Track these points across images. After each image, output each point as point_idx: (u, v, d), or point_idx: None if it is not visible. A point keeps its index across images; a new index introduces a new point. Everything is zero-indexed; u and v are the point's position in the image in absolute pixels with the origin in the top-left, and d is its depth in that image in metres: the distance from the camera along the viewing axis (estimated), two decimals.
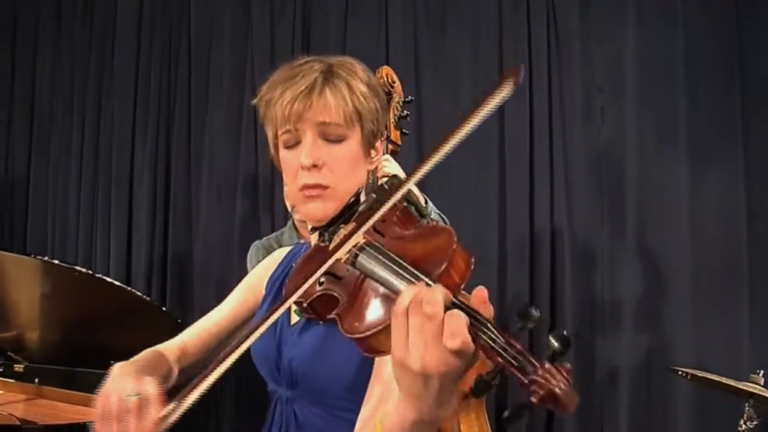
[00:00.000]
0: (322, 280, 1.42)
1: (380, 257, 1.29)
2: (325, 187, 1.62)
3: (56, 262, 3.99)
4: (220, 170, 5.03)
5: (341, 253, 1.36)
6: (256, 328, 1.34)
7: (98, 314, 3.80)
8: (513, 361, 1.06)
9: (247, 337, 1.34)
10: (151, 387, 1.50)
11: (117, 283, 3.94)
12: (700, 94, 4.13)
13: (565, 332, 1.09)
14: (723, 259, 4.06)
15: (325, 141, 1.62)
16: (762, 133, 4.04)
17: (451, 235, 1.28)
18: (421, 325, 1.06)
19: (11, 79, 5.76)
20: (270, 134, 1.72)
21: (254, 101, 1.74)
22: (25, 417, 3.55)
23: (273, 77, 1.68)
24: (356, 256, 1.33)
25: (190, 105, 5.19)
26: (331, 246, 1.47)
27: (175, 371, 1.84)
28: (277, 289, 1.83)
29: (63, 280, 3.83)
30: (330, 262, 1.36)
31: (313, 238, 1.70)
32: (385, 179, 1.49)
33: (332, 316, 1.33)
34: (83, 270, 3.96)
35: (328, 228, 1.59)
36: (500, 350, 1.07)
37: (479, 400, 3.45)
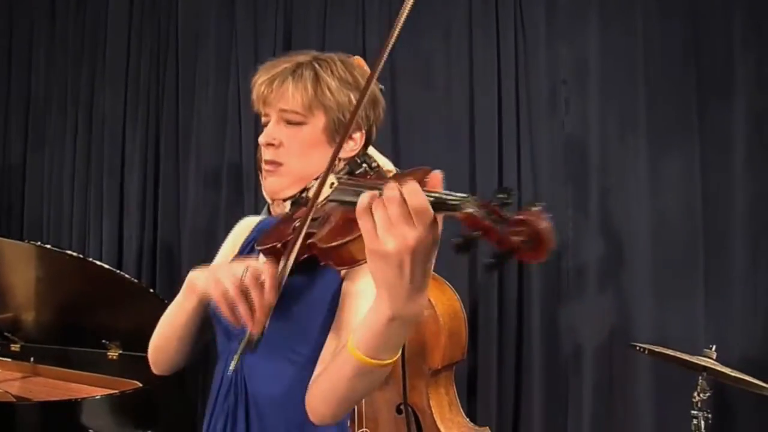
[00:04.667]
0: (294, 226, 1.52)
1: (349, 187, 1.32)
2: (278, 164, 1.70)
3: (50, 247, 3.98)
4: (206, 160, 5.02)
5: (321, 197, 1.44)
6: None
7: (91, 296, 3.80)
8: (491, 213, 1.10)
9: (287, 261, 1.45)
10: (252, 260, 1.53)
11: (108, 266, 3.95)
12: (659, 86, 4.14)
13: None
14: (680, 242, 4.08)
15: (286, 123, 1.70)
16: (716, 123, 4.05)
17: (427, 170, 1.28)
18: (384, 211, 1.14)
19: (8, 73, 5.72)
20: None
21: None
22: (21, 394, 3.56)
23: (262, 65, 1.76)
24: (337, 190, 1.38)
25: (177, 98, 5.17)
26: (311, 193, 1.56)
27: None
28: (248, 252, 1.84)
29: (57, 264, 3.83)
30: (319, 199, 1.44)
31: (286, 207, 1.78)
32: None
33: (308, 242, 1.43)
34: (76, 254, 3.96)
35: (298, 199, 1.71)
36: (477, 208, 1.11)
37: (447, 376, 3.46)
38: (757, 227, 3.98)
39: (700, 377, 3.18)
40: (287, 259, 1.46)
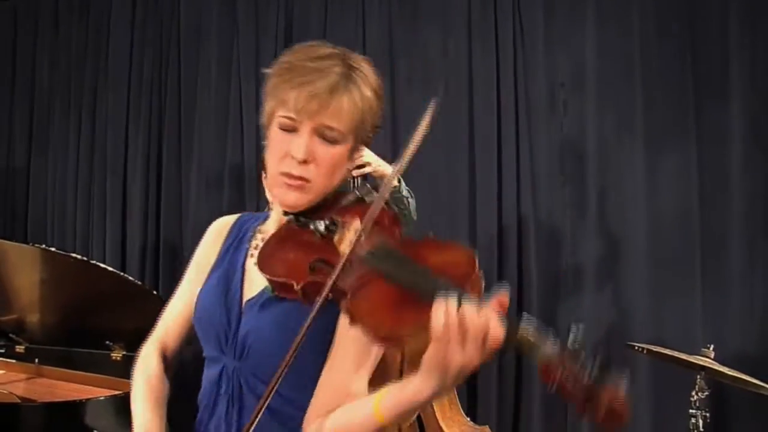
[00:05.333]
0: (314, 266, 1.47)
1: (398, 260, 1.37)
2: (307, 181, 1.58)
3: (54, 249, 3.98)
4: (208, 162, 5.03)
5: (355, 247, 1.42)
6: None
7: (94, 298, 3.79)
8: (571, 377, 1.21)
9: (310, 322, 1.39)
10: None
11: (112, 269, 3.95)
12: (656, 88, 4.15)
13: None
14: (677, 242, 4.09)
15: (319, 138, 1.58)
16: (712, 125, 4.06)
17: (472, 256, 1.41)
18: (461, 334, 1.23)
19: (12, 76, 5.74)
20: (269, 106, 1.63)
21: (269, 70, 1.65)
22: (25, 395, 3.55)
23: (291, 57, 1.61)
24: (375, 254, 1.41)
25: (180, 100, 5.19)
26: (338, 240, 1.52)
27: (166, 376, 1.85)
28: (231, 255, 1.78)
29: (61, 267, 3.83)
30: (354, 255, 1.41)
31: (280, 216, 1.70)
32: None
33: (342, 307, 1.38)
34: (80, 257, 3.96)
35: (305, 216, 1.61)
36: (562, 370, 1.21)
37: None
38: (754, 227, 3.98)
39: (698, 376, 3.18)
40: (310, 316, 1.40)
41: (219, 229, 1.87)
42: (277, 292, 1.54)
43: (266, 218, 1.81)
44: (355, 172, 3.00)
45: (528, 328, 1.25)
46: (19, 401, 3.44)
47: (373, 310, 1.35)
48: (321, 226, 1.55)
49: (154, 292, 3.98)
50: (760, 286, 3.96)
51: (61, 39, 5.58)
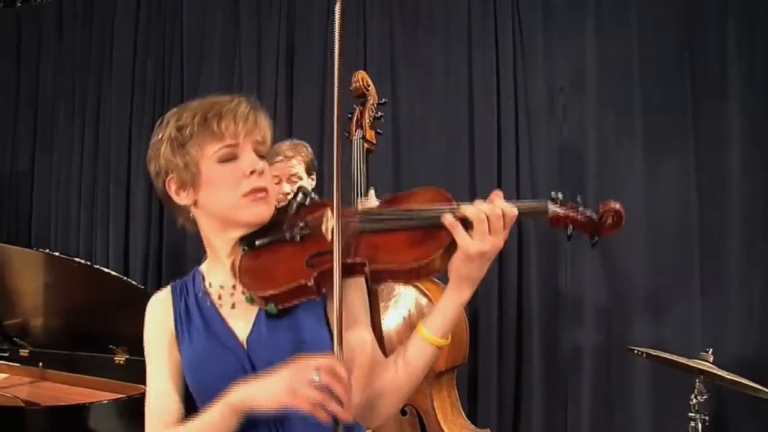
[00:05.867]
0: (310, 263, 1.59)
1: (385, 215, 1.62)
2: (267, 191, 1.69)
3: (58, 254, 3.98)
4: None
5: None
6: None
7: (98, 302, 3.79)
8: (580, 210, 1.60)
9: (340, 302, 1.49)
10: (309, 358, 1.50)
11: (115, 273, 3.94)
12: (654, 92, 4.16)
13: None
14: (676, 246, 4.09)
15: (257, 155, 1.71)
16: (710, 128, 4.06)
17: (438, 189, 1.66)
18: (485, 223, 1.54)
19: (16, 82, 5.76)
20: (190, 155, 1.68)
21: (171, 131, 1.70)
22: (29, 399, 3.55)
23: (185, 110, 1.71)
24: (367, 221, 1.62)
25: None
26: (324, 229, 1.64)
27: None
28: (195, 318, 1.77)
29: (64, 271, 3.82)
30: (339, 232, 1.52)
31: (224, 259, 1.75)
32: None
33: (366, 270, 1.56)
34: (83, 261, 3.95)
35: (253, 237, 1.70)
36: (569, 210, 1.59)
37: (449, 378, 3.46)
38: (753, 230, 3.98)
39: (697, 380, 3.18)
40: (339, 300, 1.48)
41: (159, 303, 1.88)
42: (282, 303, 1.61)
43: (201, 276, 1.84)
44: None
45: (525, 202, 1.60)
46: (23, 404, 3.45)
47: (398, 257, 1.55)
48: (297, 229, 1.68)
49: None
50: (759, 289, 3.95)
51: (64, 45, 5.60)
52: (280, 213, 1.73)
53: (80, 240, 5.39)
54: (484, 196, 4.37)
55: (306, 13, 4.90)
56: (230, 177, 1.67)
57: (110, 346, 3.88)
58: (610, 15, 4.27)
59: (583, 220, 1.58)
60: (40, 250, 4.06)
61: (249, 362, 1.67)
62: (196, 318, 1.76)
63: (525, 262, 4.34)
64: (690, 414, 3.19)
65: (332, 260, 1.50)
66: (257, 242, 1.69)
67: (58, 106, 5.60)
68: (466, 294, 1.59)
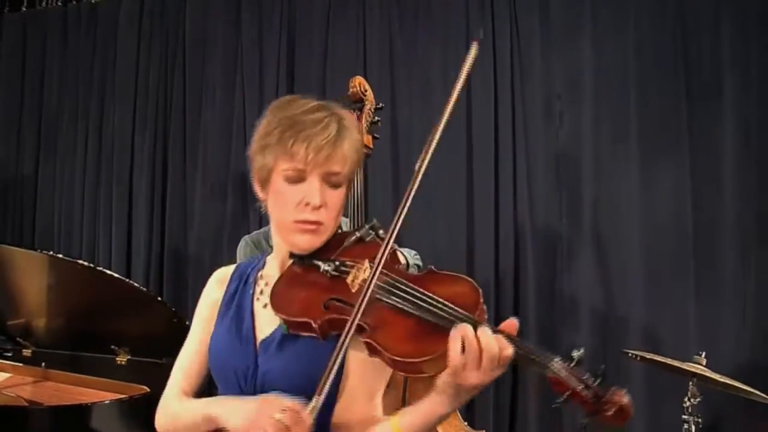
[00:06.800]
0: (328, 305, 1.57)
1: (413, 295, 1.48)
2: (321, 224, 1.67)
3: (61, 256, 3.99)
4: (212, 170, 5.05)
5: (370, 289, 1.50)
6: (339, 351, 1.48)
7: (100, 303, 3.80)
8: (579, 384, 1.33)
9: (337, 357, 1.47)
10: (281, 398, 1.52)
11: (117, 275, 3.94)
12: (650, 99, 4.17)
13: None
14: (671, 250, 4.10)
15: (327, 184, 1.66)
16: (704, 134, 4.08)
17: (476, 286, 1.49)
18: (478, 357, 1.36)
19: (21, 86, 5.76)
20: (267, 160, 1.69)
21: (261, 129, 1.72)
22: (32, 398, 3.56)
23: (281, 112, 1.69)
24: (385, 290, 1.51)
25: (185, 110, 5.21)
26: (351, 280, 1.61)
27: None
28: (238, 301, 1.81)
29: (67, 273, 3.83)
30: (366, 297, 1.49)
31: (282, 259, 1.77)
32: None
33: (363, 340, 1.47)
34: (86, 263, 3.96)
35: (310, 258, 1.69)
36: (570, 377, 1.34)
37: None
38: (746, 235, 3.99)
39: (690, 383, 3.19)
40: (337, 356, 1.47)
41: (220, 278, 1.91)
42: (293, 330, 1.61)
43: (264, 263, 1.85)
44: None
45: (534, 348, 1.38)
46: (26, 404, 3.45)
47: (394, 343, 1.44)
48: (330, 267, 1.65)
49: (159, 299, 3.98)
50: (752, 294, 3.96)
51: (69, 50, 5.61)
52: (343, 237, 1.73)
53: (83, 242, 5.39)
54: (482, 199, 4.35)
55: (307, 20, 4.91)
56: (290, 198, 1.66)
57: (112, 347, 3.88)
58: (606, 22, 4.28)
59: (586, 397, 1.33)
60: (44, 251, 4.06)
61: (255, 364, 1.69)
62: (235, 305, 1.81)
63: (521, 266, 4.36)
64: (683, 416, 3.19)
65: (345, 312, 1.50)
66: (305, 259, 1.69)
67: (62, 109, 5.60)
68: (441, 409, 1.47)
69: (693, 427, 3.18)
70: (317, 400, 1.46)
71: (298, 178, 1.65)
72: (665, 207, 4.12)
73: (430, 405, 1.47)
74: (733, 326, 3.97)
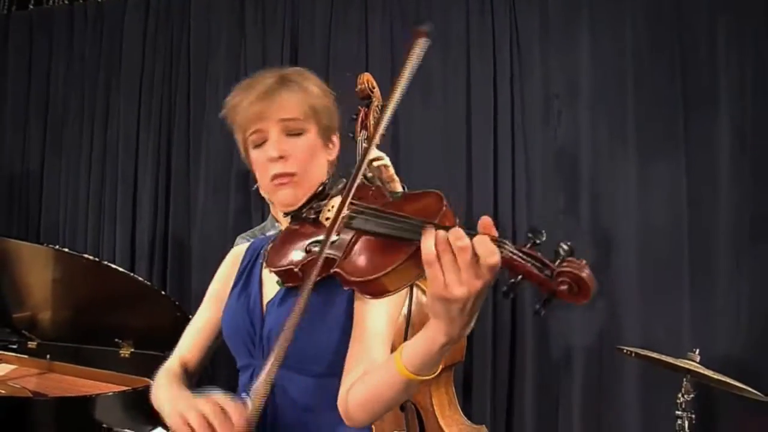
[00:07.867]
0: (308, 248, 1.56)
1: (376, 217, 1.42)
2: (292, 175, 1.69)
3: (66, 250, 4.00)
4: (216, 167, 5.05)
5: (339, 219, 1.47)
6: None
7: (104, 297, 3.81)
8: (536, 263, 1.22)
9: (303, 292, 1.41)
10: (213, 392, 1.47)
11: (121, 269, 3.96)
12: (647, 100, 4.17)
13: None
14: (667, 249, 4.09)
15: (288, 136, 1.69)
16: (700, 135, 4.08)
17: (440, 194, 1.42)
18: (453, 260, 1.20)
19: (27, 83, 5.75)
20: (240, 138, 1.76)
21: (222, 113, 1.78)
22: (37, 390, 3.57)
23: (234, 90, 1.75)
24: (352, 218, 1.46)
25: (189, 107, 5.21)
26: (323, 217, 1.61)
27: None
28: (248, 273, 1.84)
29: (72, 267, 3.85)
30: (338, 224, 1.47)
31: (285, 222, 1.78)
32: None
33: (332, 271, 1.43)
34: (91, 257, 3.97)
35: (300, 211, 1.69)
36: (524, 258, 1.22)
37: (447, 376, 3.48)
38: (741, 234, 3.99)
39: (684, 379, 3.21)
40: (305, 286, 1.42)
41: (236, 254, 1.94)
42: (285, 281, 1.62)
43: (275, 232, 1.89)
44: (375, 163, 3.03)
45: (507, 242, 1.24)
46: (31, 395, 3.46)
47: (357, 266, 1.41)
48: (310, 213, 1.65)
49: (162, 293, 3.99)
50: (746, 291, 3.96)
51: (75, 48, 5.61)
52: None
53: (88, 238, 5.39)
54: (482, 199, 4.38)
55: (310, 18, 4.92)
56: (260, 161, 1.71)
57: (116, 340, 3.90)
58: (604, 25, 4.29)
59: (538, 275, 1.23)
60: (50, 246, 4.07)
61: (261, 325, 1.71)
62: (245, 276, 1.84)
63: None
64: (677, 412, 3.21)
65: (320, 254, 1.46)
66: (298, 216, 1.70)
67: (68, 106, 5.60)
68: (441, 334, 1.28)
69: (686, 423, 3.19)
70: (264, 380, 1.41)
71: (261, 139, 1.70)
72: (661, 206, 4.12)
73: (429, 333, 1.31)
74: (727, 323, 3.97)
